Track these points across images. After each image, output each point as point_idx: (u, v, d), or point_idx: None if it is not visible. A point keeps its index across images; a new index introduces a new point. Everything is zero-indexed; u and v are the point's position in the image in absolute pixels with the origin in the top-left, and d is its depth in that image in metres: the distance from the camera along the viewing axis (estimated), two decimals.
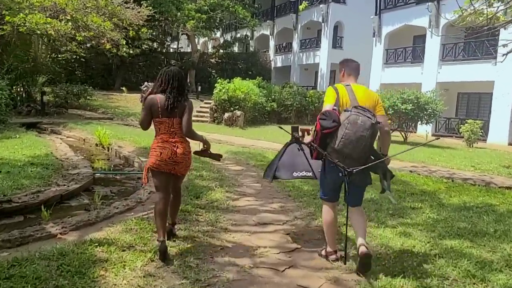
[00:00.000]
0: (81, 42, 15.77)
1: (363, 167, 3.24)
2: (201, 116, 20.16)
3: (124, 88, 25.42)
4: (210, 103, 20.16)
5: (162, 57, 31.85)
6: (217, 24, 29.18)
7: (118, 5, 16.10)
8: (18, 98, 16.37)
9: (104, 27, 14.54)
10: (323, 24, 27.23)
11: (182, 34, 32.90)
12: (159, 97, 3.60)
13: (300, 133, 3.93)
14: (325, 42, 27.21)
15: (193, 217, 4.78)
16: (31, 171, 6.36)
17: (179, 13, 23.88)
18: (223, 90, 18.68)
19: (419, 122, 16.33)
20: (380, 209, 5.51)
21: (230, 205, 5.47)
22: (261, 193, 6.34)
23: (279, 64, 32.54)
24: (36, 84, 18.17)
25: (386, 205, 5.65)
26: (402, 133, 16.01)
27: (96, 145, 10.70)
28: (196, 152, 3.97)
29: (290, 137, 4.02)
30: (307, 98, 21.77)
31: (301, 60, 29.88)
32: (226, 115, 18.16)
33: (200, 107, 21.81)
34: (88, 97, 19.93)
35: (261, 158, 9.55)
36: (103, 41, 15.90)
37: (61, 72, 27.30)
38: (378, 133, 3.41)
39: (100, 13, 15.18)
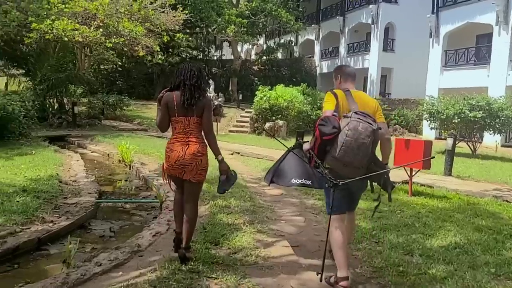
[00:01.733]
0: (114, 49, 14.83)
1: (350, 180, 3.09)
2: (241, 126, 18.84)
3: None
4: (250, 112, 18.81)
5: (204, 65, 30.96)
6: (259, 30, 27.92)
7: (152, 10, 15.10)
8: (50, 110, 15.68)
9: (135, 33, 13.53)
10: (372, 26, 25.25)
11: (223, 41, 32.02)
12: (176, 94, 3.40)
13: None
14: (375, 45, 25.21)
15: (203, 283, 3.29)
16: (17, 201, 5.15)
17: (219, 19, 22.79)
18: (264, 98, 17.26)
19: (489, 132, 14.10)
20: None
21: (260, 256, 3.94)
22: (304, 233, 4.80)
23: (325, 70, 30.76)
24: (70, 95, 17.58)
25: None
26: (470, 145, 13.87)
27: (119, 161, 9.54)
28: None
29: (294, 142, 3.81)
30: None
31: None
32: (267, 125, 16.69)
33: (241, 116, 20.54)
34: (124, 108, 19.12)
35: None
36: (136, 48, 14.92)
37: (102, 82, 27.12)
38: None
39: (133, 18, 14.21)
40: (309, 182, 3.74)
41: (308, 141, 3.58)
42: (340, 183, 3.07)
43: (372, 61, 25.54)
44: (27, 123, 11.16)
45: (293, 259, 3.97)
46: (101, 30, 13.52)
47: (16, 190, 5.65)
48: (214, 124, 16.73)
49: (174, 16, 16.39)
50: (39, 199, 5.33)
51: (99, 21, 13.07)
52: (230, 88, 29.23)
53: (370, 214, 5.64)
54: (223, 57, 34.75)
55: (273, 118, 16.85)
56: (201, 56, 30.92)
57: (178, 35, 16.31)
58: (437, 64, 20.74)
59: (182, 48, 25.02)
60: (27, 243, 4.03)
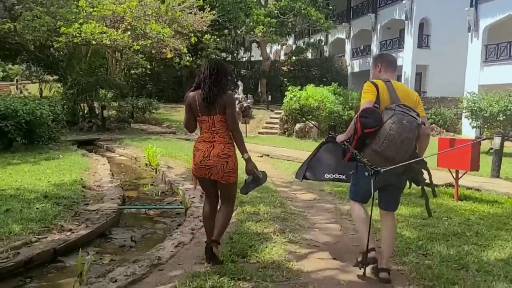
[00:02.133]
0: (143, 52, 14.75)
1: (390, 167, 2.93)
2: (271, 128, 18.43)
3: None
4: (280, 113, 18.38)
5: (232, 66, 30.76)
6: (288, 30, 27.49)
7: (179, 11, 14.92)
8: (80, 114, 15.75)
9: (163, 34, 13.36)
10: (406, 22, 24.32)
11: (252, 42, 31.75)
12: (197, 93, 3.30)
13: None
14: (409, 41, 24.28)
15: None
16: (37, 208, 4.91)
17: (247, 19, 22.49)
18: (294, 99, 16.79)
19: None
20: None
21: (293, 271, 3.51)
22: (341, 243, 4.34)
23: (356, 69, 29.96)
24: (100, 99, 17.66)
25: None
26: None
27: (146, 165, 9.30)
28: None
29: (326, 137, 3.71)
30: None
31: None
32: (298, 126, 16.21)
33: (270, 117, 20.14)
34: (153, 111, 19.07)
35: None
36: (164, 50, 14.77)
37: (133, 86, 27.32)
38: None
39: (160, 20, 14.06)
40: (343, 177, 3.71)
41: (337, 134, 3.48)
42: (382, 170, 2.91)
43: (406, 58, 24.60)
44: (56, 128, 11.13)
45: (329, 275, 3.52)
46: (128, 32, 13.44)
47: (37, 196, 5.44)
48: (243, 126, 16.41)
49: (202, 17, 16.18)
50: (59, 206, 5.07)
51: (126, 23, 12.96)
52: (259, 90, 28.88)
53: (413, 221, 5.14)
54: (252, 59, 34.47)
55: (304, 119, 16.36)
56: (229, 58, 30.73)
57: (205, 36, 16.09)
58: (477, 60, 19.71)
59: (210, 50, 24.85)
60: (42, 255, 3.75)
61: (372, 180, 2.99)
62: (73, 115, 15.32)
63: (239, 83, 21.50)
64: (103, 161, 9.05)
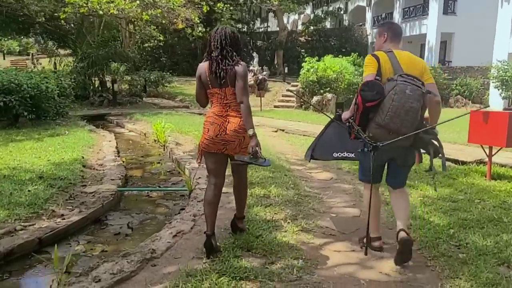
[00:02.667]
0: (154, 23, 14.16)
1: (390, 141, 2.84)
2: (287, 101, 17.80)
3: None
4: (296, 86, 17.69)
5: (248, 38, 29.91)
6: None
7: None
8: (91, 88, 15.35)
9: (173, 3, 12.71)
10: None
11: (268, 11, 30.73)
12: (207, 64, 3.11)
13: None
14: (434, 8, 23.03)
15: None
16: (29, 191, 4.53)
17: None
18: (312, 70, 16.06)
19: None
20: None
21: (305, 267, 3.04)
22: (361, 231, 3.82)
23: None
24: (113, 72, 17.23)
25: None
26: None
27: (154, 141, 8.88)
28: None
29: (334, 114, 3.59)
30: None
31: (404, 32, 25.72)
32: (315, 98, 15.54)
33: (286, 90, 19.45)
34: (166, 84, 18.58)
35: None
36: (175, 20, 14.15)
37: (147, 59, 26.83)
38: None
39: None
40: (352, 155, 3.64)
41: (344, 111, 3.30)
42: (380, 144, 2.85)
43: (430, 26, 23.42)
44: (64, 102, 10.75)
45: (347, 272, 3.04)
46: (137, 1, 12.83)
47: (32, 177, 5.06)
48: (257, 99, 15.85)
49: None
50: (53, 188, 4.68)
51: None
52: (275, 62, 28.08)
53: (442, 205, 4.60)
54: (269, 29, 33.46)
55: (321, 91, 15.66)
56: (245, 29, 29.88)
57: (218, 5, 15.32)
58: (507, 26, 18.49)
59: (224, 20, 24.06)
60: (25, 246, 3.36)
61: (371, 156, 2.91)
62: (84, 89, 14.96)
63: (254, 54, 20.77)
64: (109, 138, 8.66)
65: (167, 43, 26.45)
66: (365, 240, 3.34)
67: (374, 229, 3.34)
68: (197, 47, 27.19)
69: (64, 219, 3.92)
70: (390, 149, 2.96)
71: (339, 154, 3.73)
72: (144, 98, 17.05)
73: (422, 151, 3.15)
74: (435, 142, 3.01)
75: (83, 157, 6.39)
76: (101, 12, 11.84)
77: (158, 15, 13.10)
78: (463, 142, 8.86)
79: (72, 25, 15.56)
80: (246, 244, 3.31)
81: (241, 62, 3.10)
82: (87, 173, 5.66)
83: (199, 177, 5.45)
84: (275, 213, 4.14)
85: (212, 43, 3.09)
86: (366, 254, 3.26)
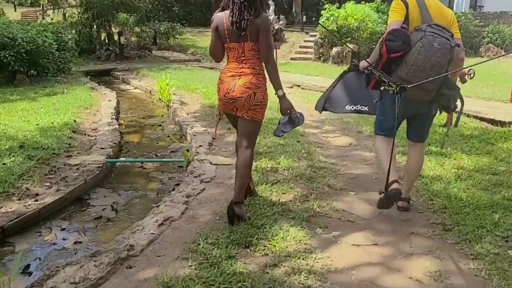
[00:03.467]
0: None
1: (420, 82, 2.62)
2: (304, 53, 16.75)
3: None
4: (315, 36, 16.55)
5: None
6: None
7: None
8: (97, 41, 14.57)
9: None
10: None
11: None
12: (226, 14, 2.79)
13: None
14: None
15: None
16: (4, 163, 3.99)
17: None
18: (331, 19, 14.87)
19: None
20: None
21: (316, 271, 2.44)
22: (385, 215, 3.20)
23: None
24: (122, 24, 16.33)
25: None
26: None
27: (159, 99, 8.24)
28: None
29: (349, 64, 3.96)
30: None
31: None
32: (335, 50, 14.48)
33: (304, 41, 18.33)
34: (177, 36, 17.64)
35: None
36: None
37: (158, 9, 25.66)
38: None
39: None
40: (366, 108, 3.50)
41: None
42: (408, 86, 2.62)
43: None
44: (65, 57, 10.08)
45: (369, 276, 2.43)
46: None
47: (13, 146, 4.51)
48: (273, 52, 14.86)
49: None
50: (32, 160, 4.13)
51: None
52: (293, 10, 26.55)
53: (480, 179, 3.92)
54: None
55: (342, 41, 14.57)
56: None
57: None
58: None
59: None
60: None
61: (397, 98, 2.68)
62: (90, 43, 14.20)
63: (270, 2, 19.38)
64: (110, 97, 8.04)
65: None
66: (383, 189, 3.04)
67: (393, 172, 2.97)
68: None
69: (37, 200, 3.37)
70: (415, 105, 2.88)
71: (352, 107, 3.55)
72: (154, 51, 16.24)
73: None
74: (458, 98, 2.89)
75: (75, 121, 5.80)
76: None
77: None
78: (499, 98, 7.97)
79: None
80: (244, 239, 2.71)
81: (264, 14, 2.79)
82: (77, 140, 5.08)
83: (200, 145, 4.82)
84: (282, 193, 3.51)
85: None
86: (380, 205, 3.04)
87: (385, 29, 2.89)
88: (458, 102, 2.94)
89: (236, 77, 2.83)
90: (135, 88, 10.09)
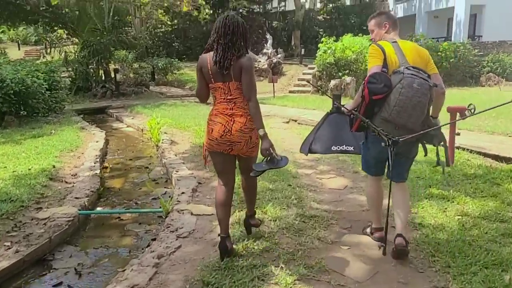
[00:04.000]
0: (154, 5, 13.14)
1: (411, 135, 2.78)
2: (303, 86, 16.60)
3: None
4: (314, 69, 16.45)
5: (264, 19, 28.60)
6: None
7: None
8: (94, 78, 14.47)
9: None
10: None
11: None
12: (209, 55, 2.88)
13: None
14: None
15: None
16: None
17: None
18: (329, 51, 14.79)
19: None
20: None
21: None
22: (382, 276, 2.81)
23: (400, 14, 27.02)
24: (121, 60, 16.33)
25: None
26: None
27: (150, 138, 7.95)
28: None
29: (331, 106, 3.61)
30: (439, 53, 16.76)
31: (429, 6, 24.09)
32: (333, 82, 14.29)
33: (303, 73, 18.27)
34: (175, 71, 17.61)
35: None
36: (178, 2, 13.10)
37: (159, 45, 25.90)
38: None
39: None
40: (351, 148, 3.58)
41: (344, 104, 3.20)
42: (400, 139, 2.74)
43: None
44: (57, 97, 9.89)
45: None
46: None
47: None
48: (270, 85, 14.76)
49: None
50: None
51: None
52: (293, 43, 26.74)
53: (487, 227, 3.53)
54: (286, 8, 31.99)
55: (339, 74, 14.41)
56: (259, 9, 28.62)
57: None
58: None
59: (237, 2, 22.90)
60: None
61: (390, 151, 2.79)
62: (86, 80, 14.11)
63: (268, 36, 19.53)
64: (98, 137, 7.76)
65: (179, 28, 25.49)
66: (368, 229, 3.43)
67: (377, 220, 3.32)
68: (210, 31, 26.11)
69: None
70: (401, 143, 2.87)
71: (338, 147, 3.62)
72: (151, 87, 16.13)
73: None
74: (439, 135, 2.97)
75: (54, 166, 5.49)
76: None
77: None
78: (503, 132, 7.63)
79: (76, 11, 14.63)
80: None
81: (247, 54, 2.87)
82: (52, 188, 4.75)
83: (183, 192, 4.49)
84: (266, 250, 3.14)
85: (221, 30, 2.82)
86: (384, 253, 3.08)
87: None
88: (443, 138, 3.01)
89: (230, 119, 2.87)
90: (127, 127, 9.85)
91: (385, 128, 2.79)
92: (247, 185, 3.25)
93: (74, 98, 13.50)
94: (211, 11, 14.24)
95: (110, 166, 6.24)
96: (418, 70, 2.77)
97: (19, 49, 35.58)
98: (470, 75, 17.40)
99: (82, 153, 6.51)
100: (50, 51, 16.97)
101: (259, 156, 3.00)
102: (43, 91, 8.97)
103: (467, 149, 6.38)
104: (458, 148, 6.27)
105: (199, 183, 4.92)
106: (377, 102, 2.77)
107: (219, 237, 3.00)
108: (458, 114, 5.41)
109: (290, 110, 11.17)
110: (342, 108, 3.16)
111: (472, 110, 2.89)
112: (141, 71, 16.34)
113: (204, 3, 13.48)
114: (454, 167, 5.49)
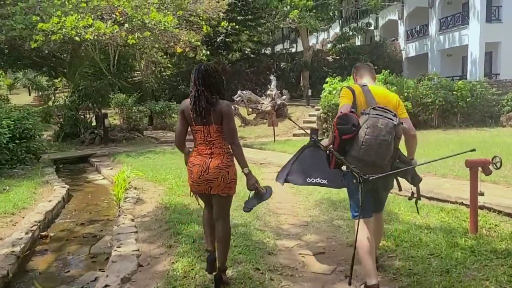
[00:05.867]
0: (142, 46, 12.46)
1: (380, 175, 2.89)
2: (308, 128, 15.52)
3: None
4: (319, 110, 15.43)
5: (271, 60, 28.09)
6: (330, 14, 24.35)
7: None
8: (81, 124, 13.64)
9: (164, 24, 10.92)
10: None
11: (291, 31, 28.99)
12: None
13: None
14: (476, 16, 20.31)
15: None
16: None
17: (280, 4, 19.65)
18: (334, 92, 13.82)
19: None
20: None
21: None
22: None
23: (412, 54, 26.20)
24: (121, 104, 15.61)
25: None
26: None
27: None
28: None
29: (309, 140, 3.56)
30: (454, 92, 15.62)
31: (442, 45, 23.17)
32: None
33: (309, 115, 17.29)
34: (173, 115, 16.80)
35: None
36: (172, 43, 12.39)
37: (164, 88, 25.45)
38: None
39: (162, 8, 11.66)
40: (325, 182, 3.66)
41: (322, 139, 3.41)
42: (370, 178, 2.83)
43: (472, 36, 20.70)
44: (26, 146, 8.96)
45: None
46: (127, 25, 11.17)
47: None
48: (270, 128, 13.75)
49: (218, 1, 13.57)
50: None
51: (117, 13, 10.66)
52: (301, 84, 26.00)
53: None
54: (294, 50, 31.55)
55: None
56: (265, 51, 28.19)
57: (222, 23, 13.45)
58: None
59: (242, 43, 22.40)
60: None
61: (360, 188, 2.88)
62: (75, 126, 13.29)
63: (272, 77, 18.75)
64: (56, 194, 6.66)
65: (184, 71, 25.04)
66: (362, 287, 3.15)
67: (372, 274, 2.98)
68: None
69: None
70: (374, 180, 2.90)
71: (312, 180, 3.70)
72: (147, 132, 15.26)
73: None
74: (413, 172, 3.18)
75: None
76: (77, 39, 10.19)
77: (149, 37, 11.32)
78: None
79: (65, 54, 14.10)
80: None
81: (224, 101, 3.04)
82: None
83: (106, 286, 3.31)
84: None
85: (195, 79, 3.01)
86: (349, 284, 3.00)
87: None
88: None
89: (208, 158, 3.01)
90: (103, 178, 8.80)
91: (356, 165, 2.88)
92: (220, 235, 3.21)
93: (60, 145, 12.66)
94: (208, 52, 13.41)
95: (52, 234, 5.13)
96: (385, 110, 2.89)
97: (29, 95, 35.72)
98: (489, 115, 16.16)
99: (24, 217, 5.42)
100: (50, 97, 16.47)
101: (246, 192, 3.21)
102: (5, 141, 8.02)
103: (493, 210, 5.11)
104: (482, 208, 5.01)
105: (140, 265, 3.76)
106: (347, 141, 2.88)
107: (206, 251, 3.30)
108: (480, 169, 4.24)
109: (289, 157, 9.97)
110: (319, 143, 3.26)
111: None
112: (138, 115, 15.53)
113: (199, 44, 12.70)
114: (478, 238, 4.23)
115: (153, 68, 25.10)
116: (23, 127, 8.93)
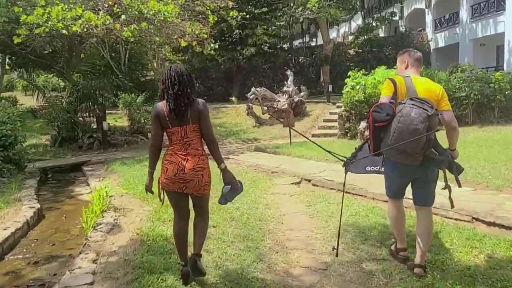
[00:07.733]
0: (139, 40, 11.23)
1: (366, 156, 3.33)
2: (328, 127, 14.10)
3: (233, 98, 20.72)
4: (341, 108, 13.95)
5: (289, 55, 26.63)
6: (352, 4, 22.74)
7: None
8: (80, 128, 12.45)
9: (163, 14, 9.64)
10: None
11: (310, 23, 27.47)
12: (163, 103, 3.13)
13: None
14: None
15: None
16: None
17: None
18: (357, 87, 12.31)
19: None
20: None
21: None
22: None
23: (441, 44, 24.35)
24: (125, 105, 14.47)
25: None
26: None
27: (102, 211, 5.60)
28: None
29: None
30: (491, 85, 13.84)
31: (475, 33, 21.28)
32: (363, 124, 11.66)
33: (330, 113, 15.78)
34: None
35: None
36: (175, 36, 11.13)
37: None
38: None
39: None
40: (377, 168, 3.86)
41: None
42: (352, 161, 3.27)
43: (508, 23, 18.85)
44: (3, 156, 7.82)
45: None
46: (123, 16, 9.95)
47: None
48: (286, 129, 12.37)
49: None
50: None
51: (110, 2, 9.43)
52: (321, 79, 24.46)
53: None
54: (313, 44, 29.95)
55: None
56: (283, 45, 26.74)
57: (231, 12, 12.11)
58: None
59: (257, 37, 21.01)
60: None
61: (344, 170, 3.37)
62: (72, 130, 12.17)
63: (289, 72, 17.29)
64: (15, 220, 5.37)
65: (199, 68, 23.86)
66: (393, 247, 3.66)
67: (401, 240, 3.52)
68: (231, 69, 24.30)
69: None
70: (410, 169, 3.18)
71: (372, 168, 3.88)
72: (150, 134, 14.04)
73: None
74: (448, 162, 3.16)
75: None
76: (65, 31, 9.02)
77: (148, 30, 10.08)
78: None
79: (63, 51, 13.00)
80: None
81: (199, 99, 3.12)
82: None
83: None
84: None
85: (167, 81, 3.03)
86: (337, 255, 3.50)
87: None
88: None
89: (183, 159, 3.06)
90: (89, 192, 7.56)
91: (389, 153, 3.10)
92: (199, 227, 3.30)
93: (57, 151, 11.58)
94: (217, 46, 12.10)
95: None
96: (422, 101, 2.97)
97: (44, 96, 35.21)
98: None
99: None
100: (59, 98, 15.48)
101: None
102: None
103: None
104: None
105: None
106: (382, 129, 3.04)
107: (179, 264, 3.30)
108: None
109: (305, 163, 8.61)
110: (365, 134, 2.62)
111: None
112: (146, 115, 14.28)
113: (206, 36, 11.39)
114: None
115: (167, 66, 24.05)
116: (1, 133, 7.80)
